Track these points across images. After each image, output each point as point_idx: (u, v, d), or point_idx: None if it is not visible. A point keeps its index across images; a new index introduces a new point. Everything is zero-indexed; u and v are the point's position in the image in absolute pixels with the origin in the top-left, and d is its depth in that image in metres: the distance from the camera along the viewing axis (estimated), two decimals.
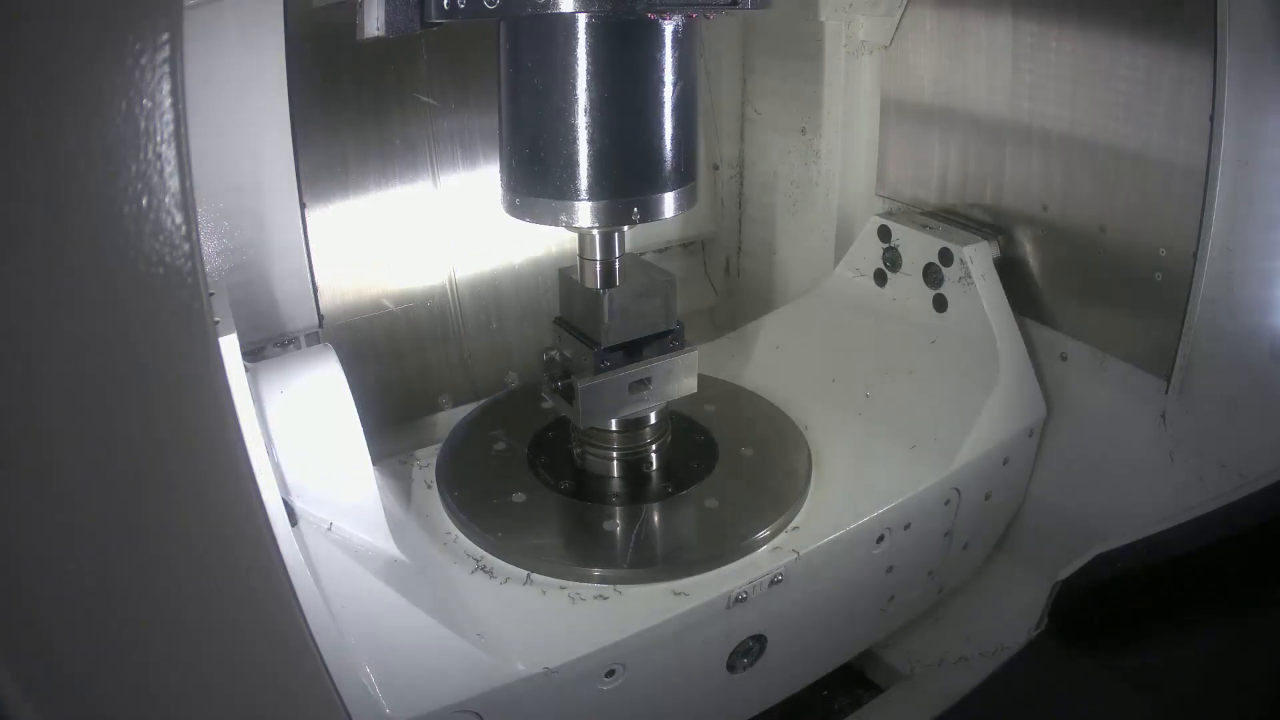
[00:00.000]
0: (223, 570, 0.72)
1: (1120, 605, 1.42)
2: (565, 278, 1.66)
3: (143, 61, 0.63)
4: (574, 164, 1.36)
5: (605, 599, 1.49)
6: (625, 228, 1.49)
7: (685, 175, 1.46)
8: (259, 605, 0.75)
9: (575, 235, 1.56)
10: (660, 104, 1.38)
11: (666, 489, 1.73)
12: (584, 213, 1.39)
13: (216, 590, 0.72)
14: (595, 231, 1.50)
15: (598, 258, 1.54)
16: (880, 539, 1.73)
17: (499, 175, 1.48)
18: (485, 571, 1.55)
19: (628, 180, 1.39)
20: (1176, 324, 1.72)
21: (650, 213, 1.42)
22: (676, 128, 1.41)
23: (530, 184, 1.40)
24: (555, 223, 1.41)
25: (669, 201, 1.44)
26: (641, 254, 2.47)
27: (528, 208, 1.43)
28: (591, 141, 1.35)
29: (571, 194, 1.38)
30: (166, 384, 0.68)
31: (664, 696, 1.55)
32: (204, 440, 0.70)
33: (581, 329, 1.64)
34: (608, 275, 1.56)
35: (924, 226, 2.04)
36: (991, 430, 1.85)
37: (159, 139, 0.66)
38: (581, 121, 1.34)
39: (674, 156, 1.42)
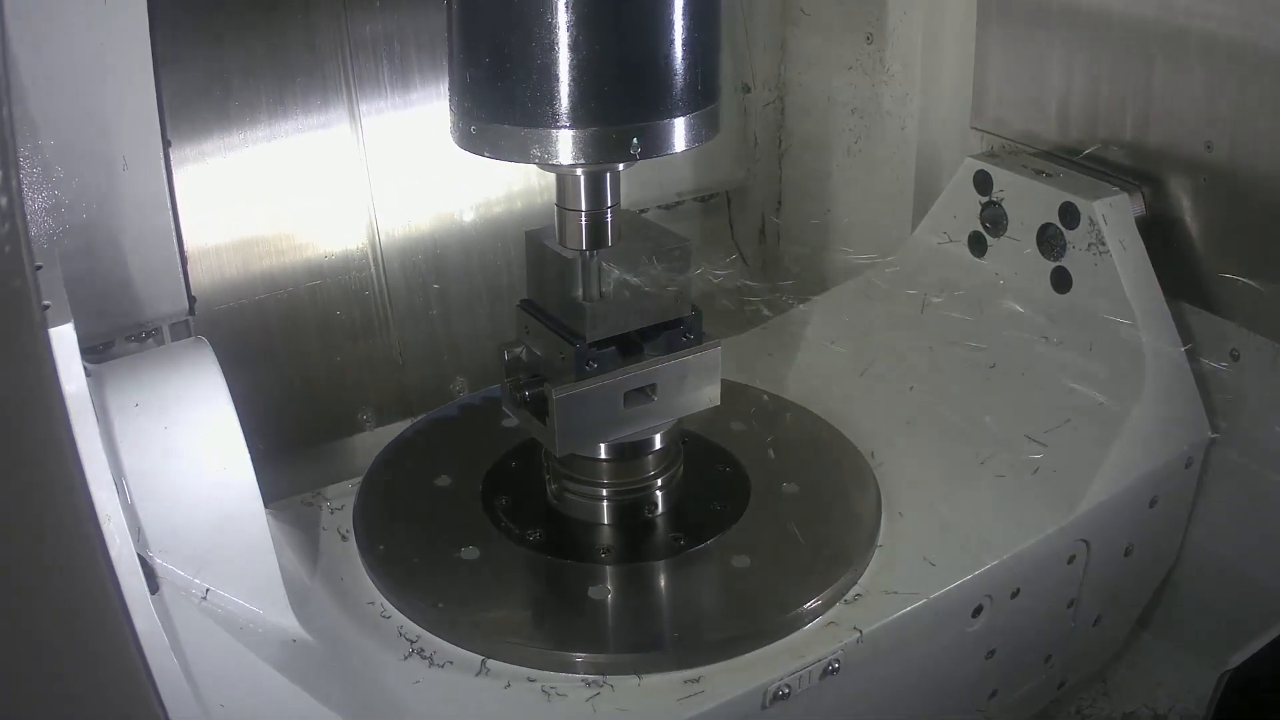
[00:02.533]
0: (53, 657, 0.72)
1: None
2: (534, 243, 1.66)
3: None
4: (551, 78, 1.36)
5: (593, 695, 1.50)
6: (620, 166, 1.50)
7: (703, 95, 1.46)
8: (103, 705, 0.75)
9: (551, 179, 1.56)
10: None
11: (677, 541, 1.73)
12: (565, 145, 1.39)
13: (42, 684, 0.72)
14: (580, 171, 1.51)
15: (583, 208, 1.55)
16: (977, 611, 1.73)
17: (447, 96, 1.49)
18: (423, 656, 1.55)
19: (624, 100, 1.39)
20: None
21: (655, 144, 1.43)
22: (690, 29, 1.41)
23: (492, 107, 1.41)
24: (525, 159, 1.42)
25: (679, 130, 1.45)
26: (642, 211, 2.47)
27: (487, 138, 1.43)
28: (575, 47, 1.35)
29: (548, 119, 1.38)
30: None
31: None
32: (26, 474, 0.70)
33: (558, 316, 1.64)
34: (596, 233, 1.56)
35: (1038, 173, 2.04)
36: (1133, 459, 1.85)
37: None
38: (562, 20, 1.34)
39: (687, 68, 1.42)
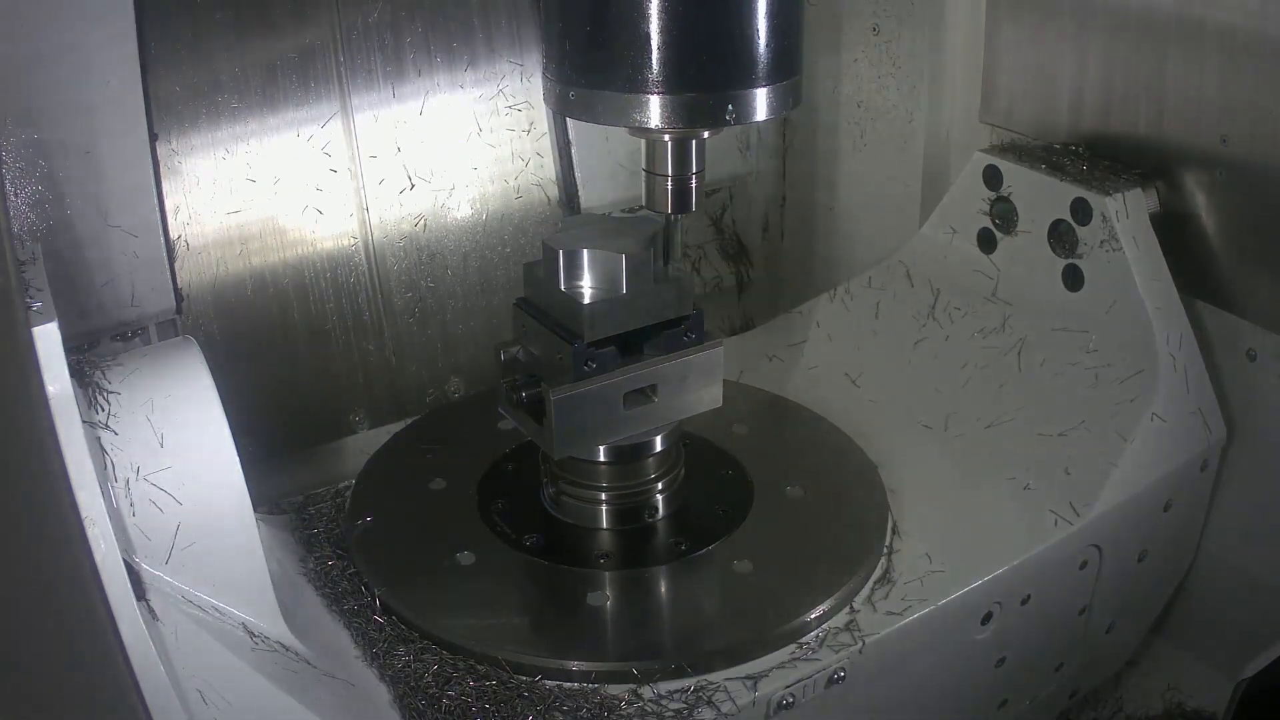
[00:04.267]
0: (37, 662, 0.72)
1: None
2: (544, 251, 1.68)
3: None
4: (648, 45, 1.45)
5: (592, 705, 1.49)
6: (706, 134, 1.60)
7: (788, 65, 1.55)
8: (87, 711, 0.75)
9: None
10: None
11: (678, 546, 1.73)
12: (661, 109, 1.49)
13: (26, 689, 0.72)
14: (668, 137, 1.59)
15: (669, 173, 1.62)
16: (987, 618, 1.73)
17: (543, 65, 1.59)
18: (417, 663, 1.55)
19: (717, 68, 1.48)
20: None
21: (744, 112, 1.52)
22: (780, 2, 1.50)
23: (590, 73, 1.50)
24: (623, 121, 1.52)
25: (765, 99, 1.53)
26: (639, 208, 2.47)
27: (585, 103, 1.53)
28: (672, 15, 1.44)
29: (645, 84, 1.47)
30: None
31: None
32: (8, 476, 0.70)
33: (555, 315, 1.64)
34: (681, 197, 1.64)
35: (1050, 168, 2.04)
36: (1147, 462, 1.85)
37: None
38: None
39: (777, 39, 1.51)
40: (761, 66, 1.51)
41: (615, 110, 1.50)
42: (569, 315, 1.61)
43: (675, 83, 1.47)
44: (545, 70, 1.58)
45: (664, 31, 1.45)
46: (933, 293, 2.15)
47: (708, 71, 1.48)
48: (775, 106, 1.55)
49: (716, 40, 1.47)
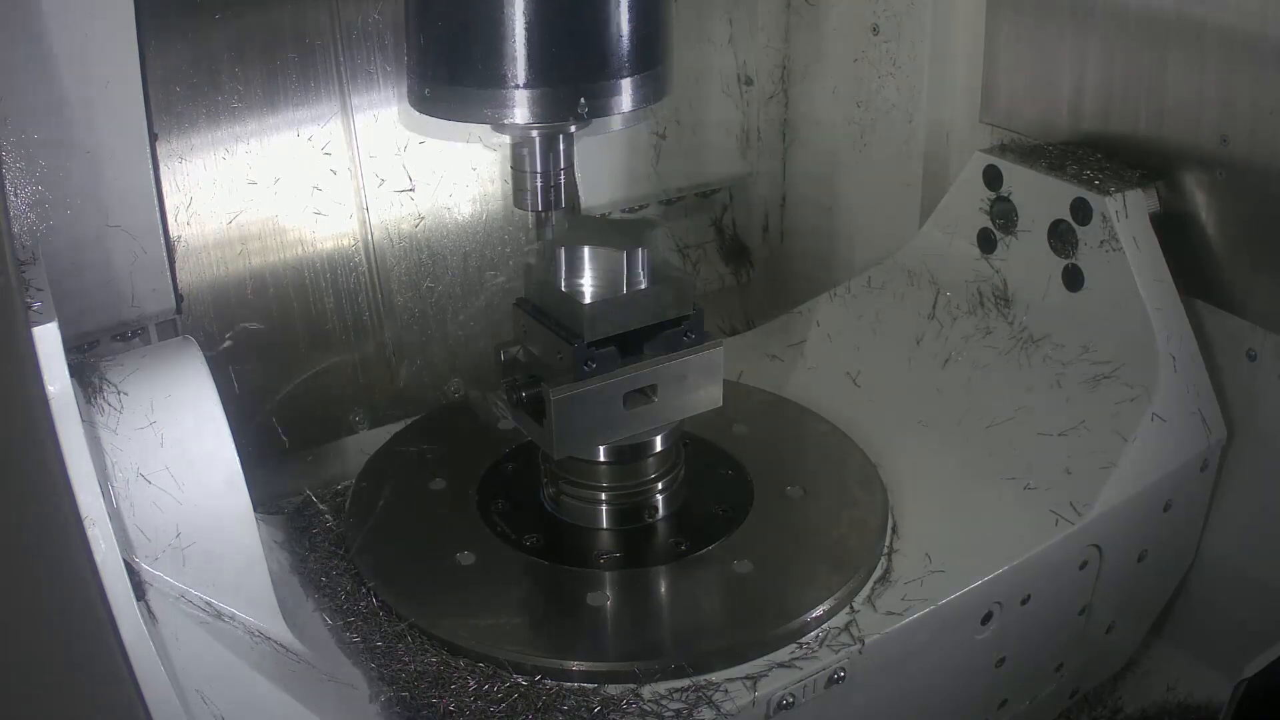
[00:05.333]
0: (37, 662, 0.72)
1: None
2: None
3: None
4: (502, 40, 1.44)
5: (592, 706, 1.49)
6: (572, 128, 1.57)
7: (649, 56, 1.54)
8: (87, 711, 0.75)
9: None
10: None
11: (678, 546, 1.73)
12: (516, 104, 1.48)
13: (26, 689, 0.72)
14: (534, 133, 1.58)
15: (536, 169, 1.62)
16: (987, 618, 1.73)
17: (405, 63, 1.58)
18: (417, 663, 1.55)
19: (570, 61, 1.48)
20: None
21: (601, 105, 1.51)
22: None
23: (446, 69, 1.49)
24: (479, 119, 1.51)
25: (626, 91, 1.52)
26: (641, 208, 2.47)
27: (442, 100, 1.52)
28: (524, 9, 1.43)
29: (500, 80, 1.47)
30: None
31: None
32: (8, 476, 0.70)
33: (556, 315, 1.64)
34: (550, 195, 1.63)
35: (1050, 168, 2.04)
36: (1147, 462, 1.85)
37: None
38: None
39: (632, 30, 1.49)
40: (616, 59, 1.50)
41: (471, 107, 1.50)
42: (569, 315, 1.61)
43: (529, 77, 1.47)
44: (407, 68, 1.58)
45: (516, 25, 1.44)
46: (933, 293, 2.15)
47: (559, 65, 1.47)
48: (635, 99, 1.54)
49: (568, 33, 1.47)
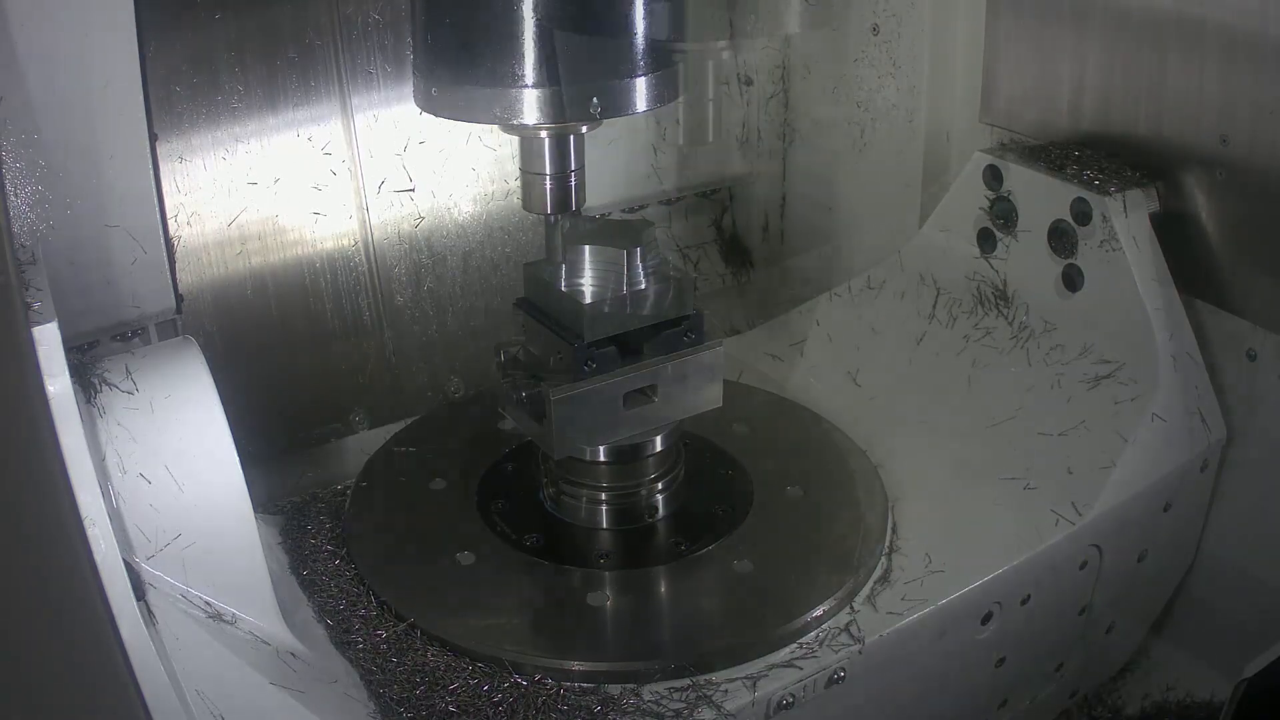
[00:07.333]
0: (37, 662, 0.72)
1: None
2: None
3: None
4: (512, 38, 1.41)
5: (593, 706, 1.50)
6: (584, 128, 1.54)
7: (663, 56, 1.50)
8: (87, 711, 0.75)
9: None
10: None
11: (678, 546, 1.74)
12: (527, 104, 1.44)
13: (25, 688, 0.72)
14: (544, 133, 1.55)
15: (547, 171, 1.58)
16: (987, 618, 1.74)
17: (412, 62, 1.54)
18: (416, 663, 1.55)
19: (583, 60, 1.44)
20: None
21: (615, 104, 1.48)
22: None
23: (454, 69, 1.46)
24: (488, 119, 1.47)
25: (640, 90, 1.49)
26: (641, 207, 2.47)
27: (449, 100, 1.48)
28: (535, 7, 1.40)
29: (509, 79, 1.43)
30: None
31: None
32: (8, 476, 0.70)
33: (556, 315, 1.64)
34: (562, 197, 1.60)
35: (1050, 168, 2.04)
36: (1147, 462, 1.85)
37: None
38: None
39: (646, 29, 1.47)
40: (629, 58, 1.47)
41: (481, 107, 1.47)
42: (569, 315, 1.61)
43: (540, 76, 1.43)
44: (413, 68, 1.55)
45: (526, 23, 1.41)
46: (933, 293, 2.15)
47: (571, 64, 1.44)
48: (649, 98, 1.51)
49: (581, 31, 1.44)
